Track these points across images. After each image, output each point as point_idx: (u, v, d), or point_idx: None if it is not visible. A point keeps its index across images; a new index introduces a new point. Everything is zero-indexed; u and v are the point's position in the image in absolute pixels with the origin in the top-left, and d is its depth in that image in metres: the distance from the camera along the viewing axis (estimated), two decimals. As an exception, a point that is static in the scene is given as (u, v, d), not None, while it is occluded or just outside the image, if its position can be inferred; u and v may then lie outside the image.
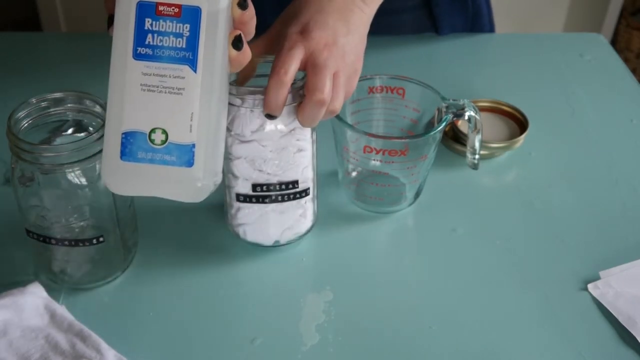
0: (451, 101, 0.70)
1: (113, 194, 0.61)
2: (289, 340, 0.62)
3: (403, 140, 0.69)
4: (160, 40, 0.51)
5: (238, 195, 0.65)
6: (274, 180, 0.64)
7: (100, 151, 0.58)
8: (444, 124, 0.69)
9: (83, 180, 0.59)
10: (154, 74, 0.51)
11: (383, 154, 0.69)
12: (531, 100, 0.90)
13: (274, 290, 0.67)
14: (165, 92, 0.51)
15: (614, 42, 2.24)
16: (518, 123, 0.85)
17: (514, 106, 0.86)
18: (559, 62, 1.01)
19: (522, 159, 0.83)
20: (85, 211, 0.62)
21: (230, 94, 0.59)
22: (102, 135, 0.57)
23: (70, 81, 0.92)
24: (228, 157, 0.63)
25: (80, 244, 0.62)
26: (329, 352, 0.61)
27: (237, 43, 0.53)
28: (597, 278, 0.68)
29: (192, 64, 0.51)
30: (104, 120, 0.59)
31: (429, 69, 0.97)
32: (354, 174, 0.75)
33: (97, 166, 0.59)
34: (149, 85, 0.51)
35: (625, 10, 2.21)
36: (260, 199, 0.65)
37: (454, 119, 0.70)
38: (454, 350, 0.62)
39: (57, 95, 0.61)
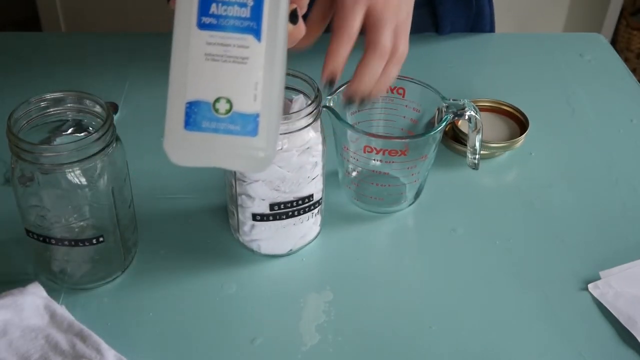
0: (451, 101, 0.70)
1: (113, 194, 0.61)
2: (289, 340, 0.62)
3: (403, 140, 0.69)
4: (225, 10, 0.51)
5: (254, 215, 0.65)
6: (290, 197, 0.64)
7: (100, 151, 0.58)
8: (444, 123, 0.69)
9: (83, 180, 0.59)
10: (218, 44, 0.51)
11: (383, 153, 0.69)
12: (531, 100, 0.90)
13: (274, 290, 0.67)
14: (230, 62, 0.51)
15: (614, 42, 2.24)
16: (518, 123, 0.85)
17: (514, 106, 0.86)
18: (559, 62, 1.01)
19: (522, 159, 0.83)
20: (85, 211, 0.62)
21: None
22: (102, 135, 0.58)
23: (70, 81, 0.92)
24: (243, 181, 0.63)
25: (80, 244, 0.62)
26: (329, 352, 0.61)
27: (293, 17, 0.54)
28: (597, 278, 0.68)
29: (257, 33, 0.51)
30: (104, 120, 0.59)
31: (429, 68, 0.97)
32: (354, 174, 0.75)
33: (97, 166, 0.59)
34: (213, 55, 0.51)
35: (625, 10, 2.21)
36: (278, 217, 0.65)
37: (454, 118, 0.70)
38: (454, 350, 0.62)
39: (57, 95, 0.61)
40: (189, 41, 0.51)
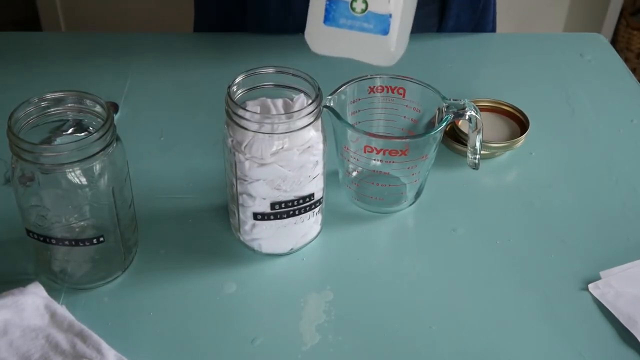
0: (452, 101, 0.70)
1: (113, 194, 0.61)
2: (289, 340, 0.62)
3: (404, 140, 0.69)
4: None
5: (255, 214, 0.65)
6: (291, 196, 0.65)
7: (100, 151, 0.58)
8: (444, 123, 0.69)
9: (83, 180, 0.59)
10: None
11: (384, 153, 0.69)
12: (531, 100, 0.90)
13: (274, 290, 0.67)
14: None
15: (614, 42, 2.24)
16: (519, 123, 0.85)
17: (514, 106, 0.86)
18: (559, 62, 1.01)
19: (522, 158, 0.83)
20: (86, 211, 0.62)
21: (244, 118, 0.60)
22: (102, 135, 0.58)
23: (70, 81, 0.92)
24: (244, 180, 0.63)
25: (81, 244, 0.62)
26: (329, 352, 0.61)
27: None
28: (598, 278, 0.68)
29: None
30: (104, 120, 0.59)
31: (429, 68, 0.97)
32: (354, 173, 0.75)
33: (97, 166, 0.59)
34: None
35: (625, 10, 2.21)
36: (278, 216, 0.65)
37: (455, 118, 0.70)
38: (454, 350, 0.62)
39: (57, 95, 0.61)
40: None
